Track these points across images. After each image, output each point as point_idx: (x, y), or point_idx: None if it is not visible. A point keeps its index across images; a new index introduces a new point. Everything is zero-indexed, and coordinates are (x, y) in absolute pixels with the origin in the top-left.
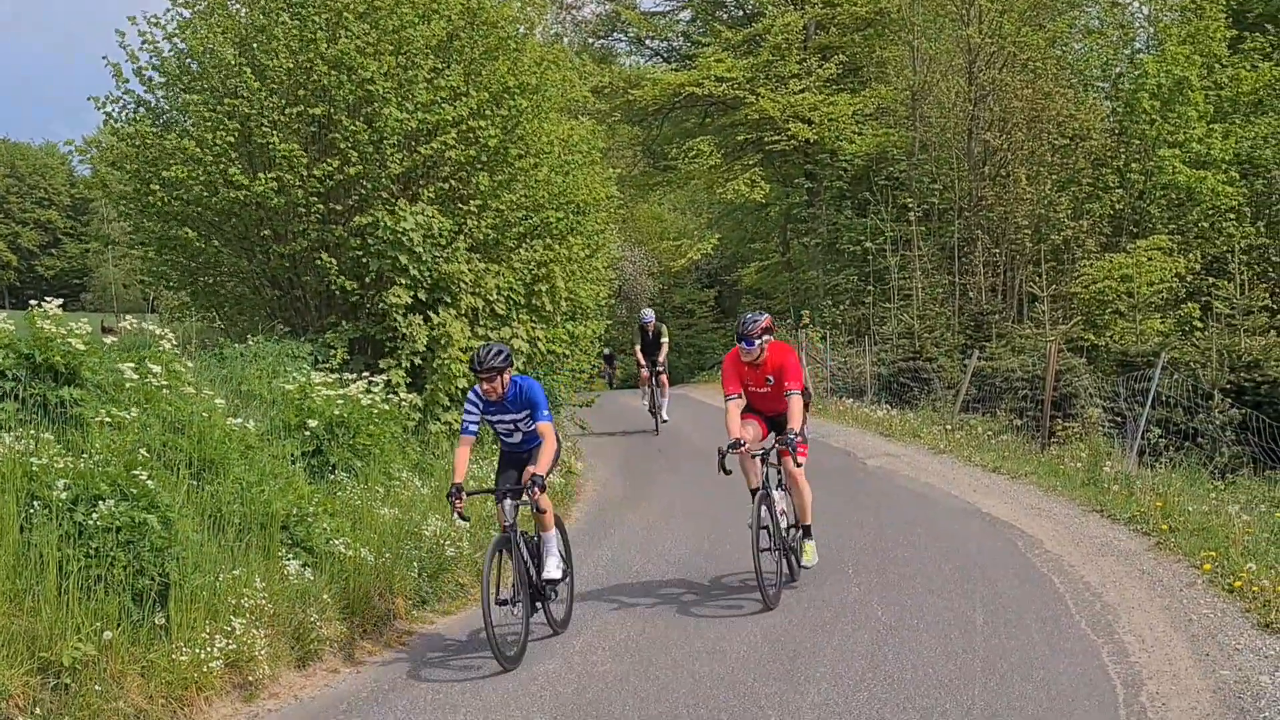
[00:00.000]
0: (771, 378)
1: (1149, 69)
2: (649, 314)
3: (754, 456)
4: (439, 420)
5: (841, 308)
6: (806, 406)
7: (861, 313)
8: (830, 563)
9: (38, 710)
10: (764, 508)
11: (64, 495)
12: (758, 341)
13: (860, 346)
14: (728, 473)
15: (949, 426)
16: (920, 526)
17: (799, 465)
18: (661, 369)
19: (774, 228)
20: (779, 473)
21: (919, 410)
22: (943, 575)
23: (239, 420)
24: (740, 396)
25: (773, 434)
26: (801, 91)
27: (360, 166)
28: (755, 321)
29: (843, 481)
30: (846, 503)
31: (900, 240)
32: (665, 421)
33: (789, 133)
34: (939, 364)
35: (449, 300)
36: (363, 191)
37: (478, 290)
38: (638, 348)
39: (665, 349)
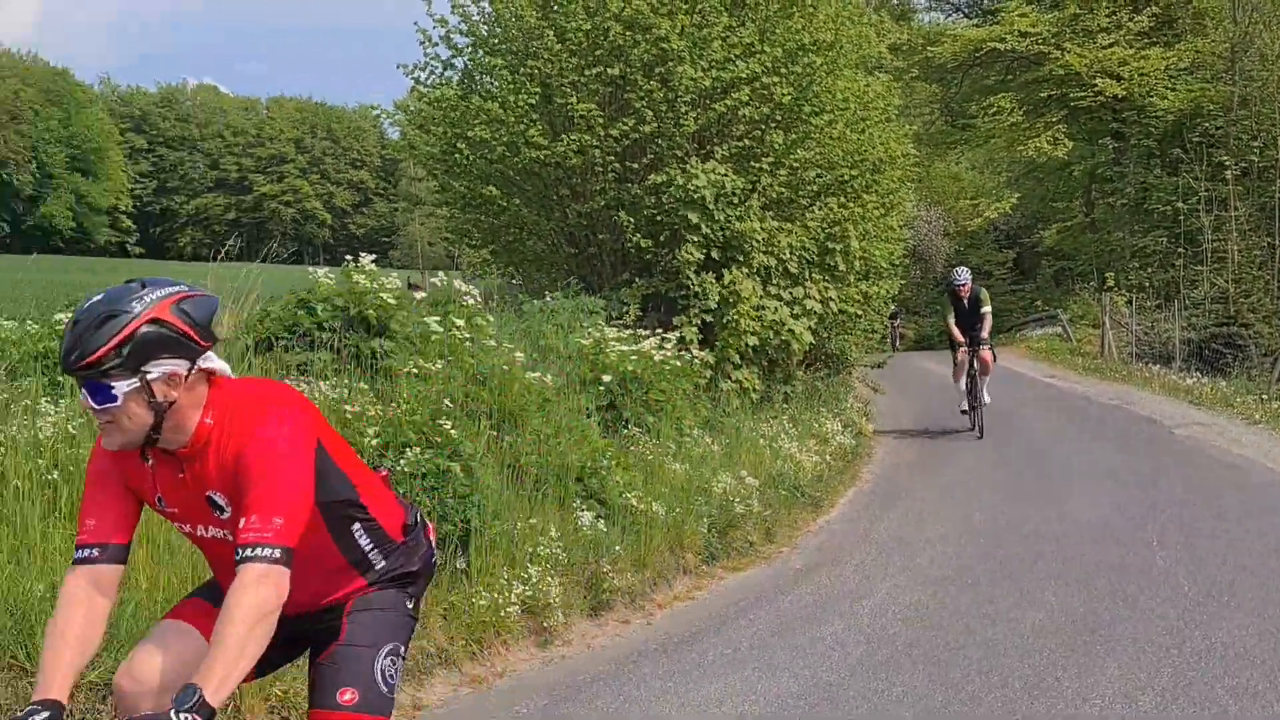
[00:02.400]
0: (221, 499)
1: None
2: (963, 274)
3: None
4: (729, 378)
5: (1149, 270)
6: (409, 582)
7: (1170, 275)
8: (1133, 533)
9: None
10: None
11: (374, 442)
12: (115, 396)
13: (1168, 311)
14: None
15: (1266, 396)
16: (1231, 499)
17: None
18: (986, 344)
19: (1077, 187)
20: None
21: (1232, 379)
22: (1255, 552)
23: (537, 374)
24: (102, 550)
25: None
26: (1110, 45)
27: (655, 125)
28: (94, 340)
29: (1148, 449)
30: (1151, 471)
31: (1214, 200)
32: (987, 403)
33: (1095, 88)
34: (1255, 330)
35: (741, 259)
36: (657, 150)
37: (770, 249)
38: (950, 319)
39: (989, 321)
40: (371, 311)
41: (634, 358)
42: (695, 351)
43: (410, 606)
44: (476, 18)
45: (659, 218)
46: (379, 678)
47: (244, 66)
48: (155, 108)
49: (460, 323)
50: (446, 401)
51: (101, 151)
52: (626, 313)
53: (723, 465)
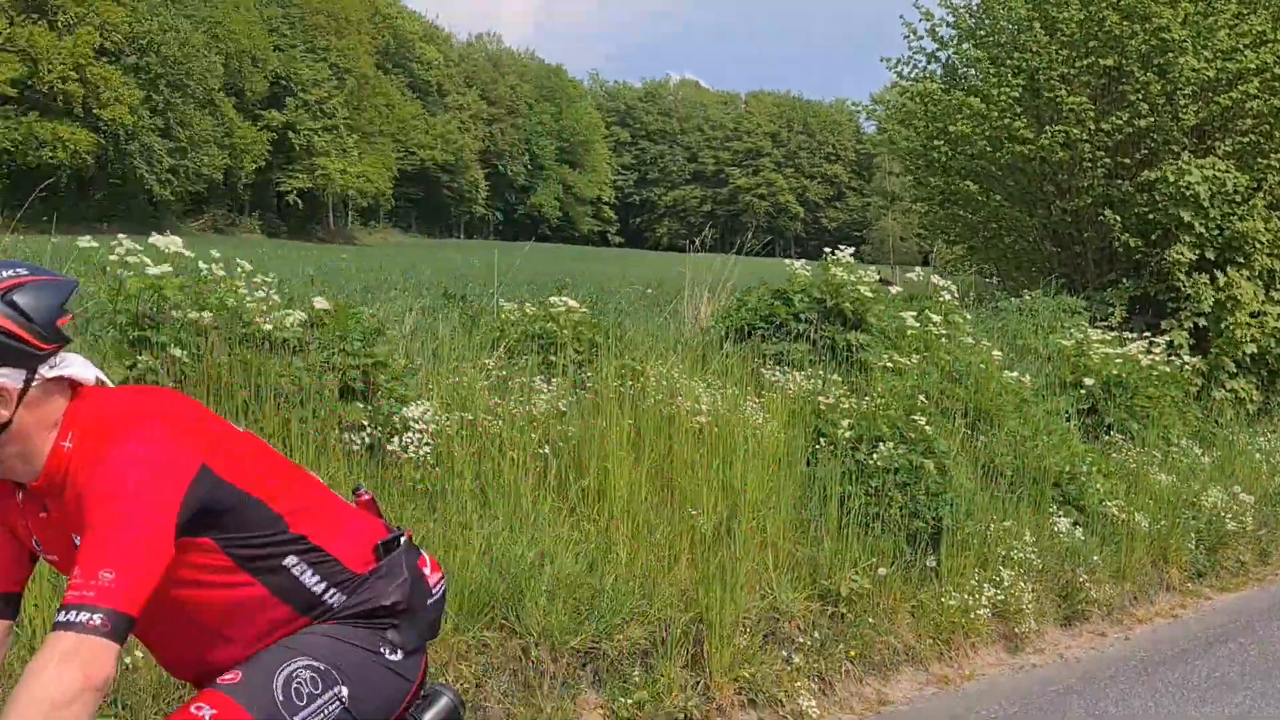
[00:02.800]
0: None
1: None
2: None
3: None
4: (1223, 387)
5: None
6: (385, 623)
7: None
8: None
9: (815, 633)
10: None
11: (847, 434)
12: None
13: None
14: None
15: None
16: None
17: None
18: None
19: None
20: None
21: None
22: None
23: (1014, 373)
24: None
25: None
26: None
27: (1151, 119)
28: None
29: None
30: None
31: None
32: None
33: None
34: None
35: (1241, 260)
36: (1151, 145)
37: (1276, 251)
38: None
39: None
40: (848, 304)
41: (1119, 361)
42: (1186, 357)
43: (394, 657)
44: (963, 9)
45: (1150, 216)
46: (279, 679)
47: (724, 62)
48: (639, 102)
49: (936, 318)
50: (921, 397)
51: (588, 144)
52: (1111, 314)
53: (1213, 479)
